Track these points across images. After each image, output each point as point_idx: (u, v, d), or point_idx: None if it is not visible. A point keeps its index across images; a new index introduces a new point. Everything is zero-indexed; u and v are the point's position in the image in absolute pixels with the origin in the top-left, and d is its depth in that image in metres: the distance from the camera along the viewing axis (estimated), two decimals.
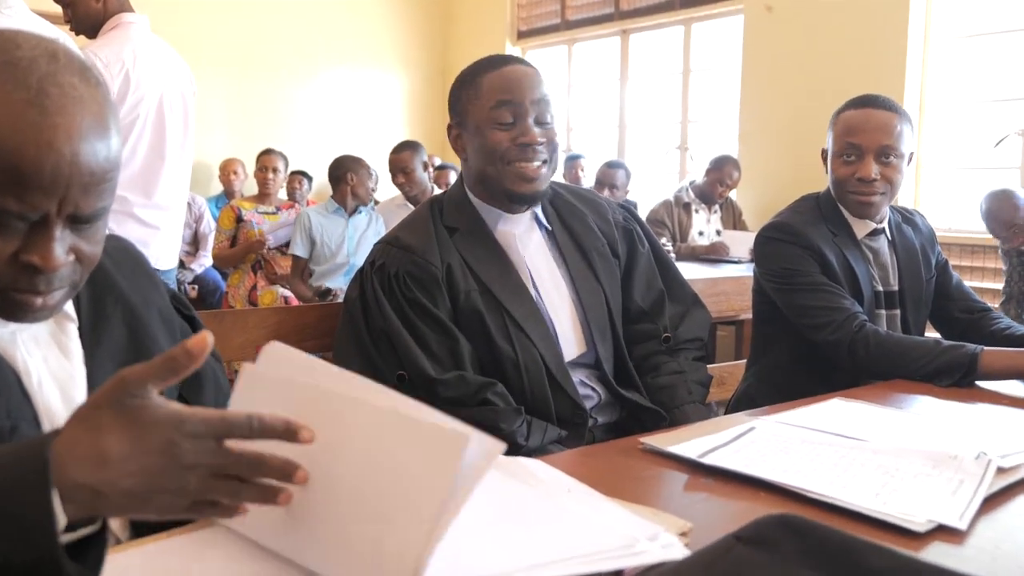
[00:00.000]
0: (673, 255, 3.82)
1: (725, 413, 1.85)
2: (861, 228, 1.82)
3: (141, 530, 0.87)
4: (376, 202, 4.65)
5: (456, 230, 1.50)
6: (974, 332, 1.83)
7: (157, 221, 2.57)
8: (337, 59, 6.70)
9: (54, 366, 0.88)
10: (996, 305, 3.61)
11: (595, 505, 0.87)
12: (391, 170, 4.25)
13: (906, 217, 1.93)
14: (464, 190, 1.56)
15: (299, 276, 4.08)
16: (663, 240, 4.45)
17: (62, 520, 0.61)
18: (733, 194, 4.92)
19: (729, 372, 2.26)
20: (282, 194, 5.13)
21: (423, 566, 0.66)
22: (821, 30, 4.73)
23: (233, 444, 0.65)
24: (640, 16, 5.94)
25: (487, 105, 1.45)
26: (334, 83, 6.70)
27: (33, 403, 0.85)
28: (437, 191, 4.36)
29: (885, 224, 1.84)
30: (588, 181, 5.30)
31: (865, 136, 1.73)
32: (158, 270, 2.39)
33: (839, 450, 1.09)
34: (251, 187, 5.26)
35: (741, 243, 4.28)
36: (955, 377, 1.52)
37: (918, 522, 0.87)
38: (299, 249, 4.03)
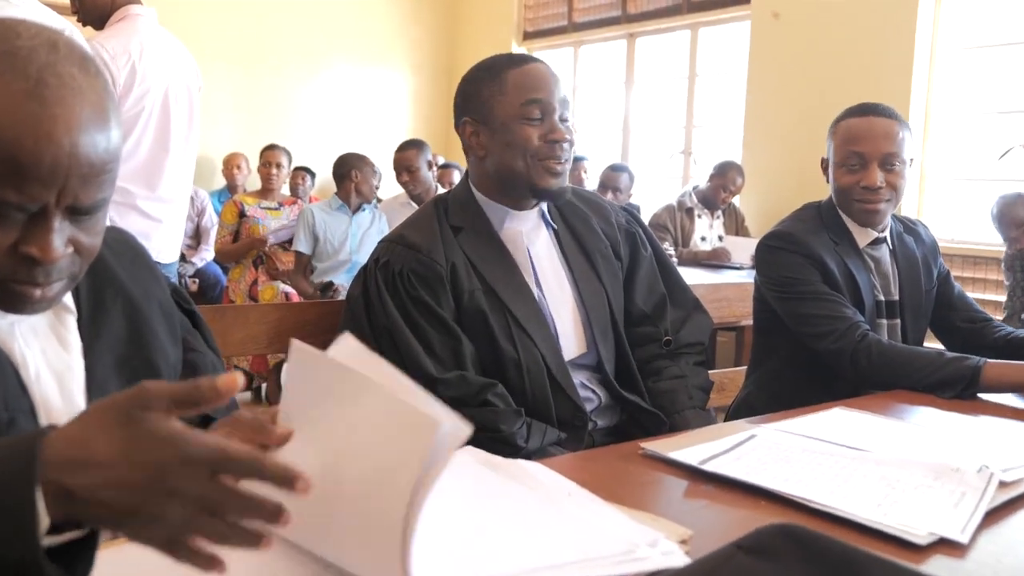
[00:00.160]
0: (675, 259, 3.82)
1: (725, 420, 1.85)
2: (863, 237, 1.81)
3: None
4: (379, 200, 4.65)
5: (461, 229, 1.50)
6: (976, 341, 1.83)
7: (160, 214, 2.56)
8: (343, 56, 6.70)
9: (52, 358, 0.88)
10: (999, 319, 3.60)
11: (595, 510, 0.86)
12: (396, 168, 4.25)
13: (908, 227, 1.93)
14: (469, 189, 1.55)
15: (301, 272, 4.07)
16: (665, 244, 4.45)
17: (45, 521, 0.58)
18: (736, 200, 4.92)
19: (729, 378, 2.26)
20: (285, 190, 5.13)
21: (408, 548, 0.65)
22: (827, 38, 4.72)
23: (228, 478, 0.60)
24: (647, 20, 5.93)
25: (516, 101, 1.45)
26: (339, 80, 6.70)
27: (30, 395, 0.84)
28: (441, 190, 4.36)
29: (887, 233, 1.84)
30: (591, 184, 5.30)
31: (869, 144, 1.73)
32: (159, 263, 2.38)
33: (840, 460, 1.09)
34: (254, 182, 5.25)
35: (743, 249, 4.27)
36: (957, 389, 1.51)
37: (920, 535, 0.87)
38: (302, 245, 4.03)
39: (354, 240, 4.07)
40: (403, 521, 0.64)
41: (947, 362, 1.55)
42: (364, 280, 1.47)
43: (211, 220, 5.03)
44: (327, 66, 6.63)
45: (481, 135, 1.50)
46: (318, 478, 0.63)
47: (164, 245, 2.61)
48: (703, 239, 4.71)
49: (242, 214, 4.45)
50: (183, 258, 4.39)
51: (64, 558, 0.61)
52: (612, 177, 4.87)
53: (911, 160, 1.79)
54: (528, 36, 6.75)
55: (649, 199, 5.53)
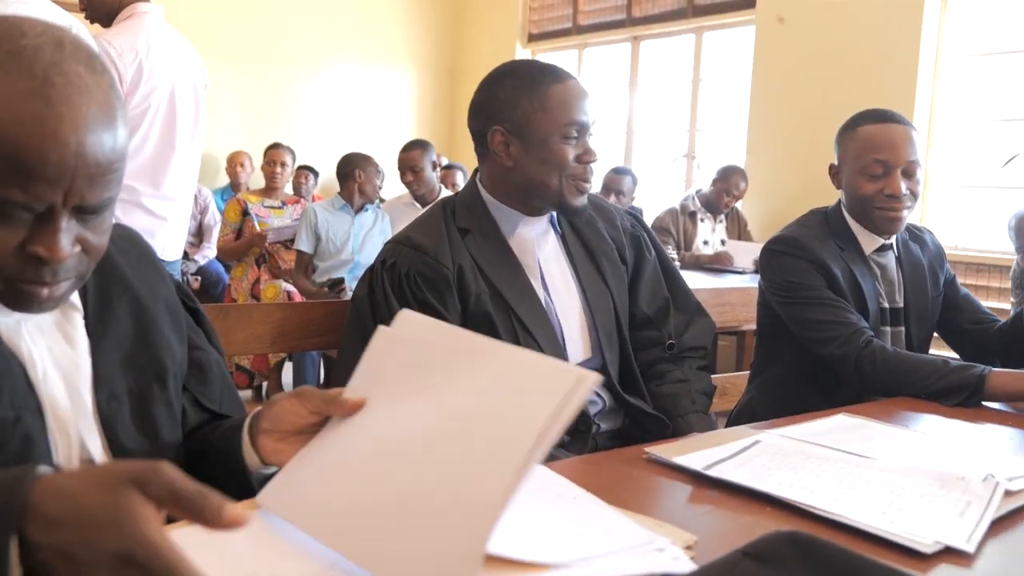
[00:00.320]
0: (677, 263, 3.82)
1: (727, 425, 1.85)
2: (869, 244, 1.81)
3: None
4: (382, 200, 4.65)
5: (468, 232, 1.50)
6: (983, 339, 1.84)
7: (165, 212, 2.57)
8: (347, 56, 6.70)
9: (59, 356, 0.87)
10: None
11: (600, 514, 0.86)
12: (400, 168, 4.25)
13: (914, 234, 1.93)
14: (478, 192, 1.55)
15: (303, 271, 4.07)
16: (668, 248, 4.44)
17: (16, 570, 0.57)
18: (739, 204, 4.91)
19: (731, 383, 2.26)
20: (288, 188, 5.13)
21: (511, 492, 0.66)
22: (832, 43, 4.72)
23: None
24: (652, 23, 5.93)
25: (560, 120, 1.46)
26: (343, 79, 6.70)
27: (37, 393, 0.84)
28: (444, 191, 4.36)
29: (893, 240, 1.84)
30: (594, 187, 5.29)
31: (891, 152, 1.72)
32: (163, 261, 2.38)
33: (845, 467, 1.09)
34: (257, 180, 5.26)
35: (746, 253, 4.27)
36: (961, 397, 1.51)
37: (925, 543, 0.86)
38: (304, 244, 4.03)
39: (356, 240, 4.07)
40: (515, 473, 0.66)
41: (952, 370, 1.55)
42: (370, 281, 1.47)
43: (214, 218, 5.02)
44: (332, 65, 6.63)
45: (512, 146, 1.48)
46: (414, 440, 0.70)
47: (168, 243, 2.61)
48: (705, 243, 4.71)
49: (245, 212, 4.45)
50: (185, 255, 4.39)
51: None
52: (615, 180, 4.87)
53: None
54: (532, 38, 6.74)
55: (652, 202, 5.53)
